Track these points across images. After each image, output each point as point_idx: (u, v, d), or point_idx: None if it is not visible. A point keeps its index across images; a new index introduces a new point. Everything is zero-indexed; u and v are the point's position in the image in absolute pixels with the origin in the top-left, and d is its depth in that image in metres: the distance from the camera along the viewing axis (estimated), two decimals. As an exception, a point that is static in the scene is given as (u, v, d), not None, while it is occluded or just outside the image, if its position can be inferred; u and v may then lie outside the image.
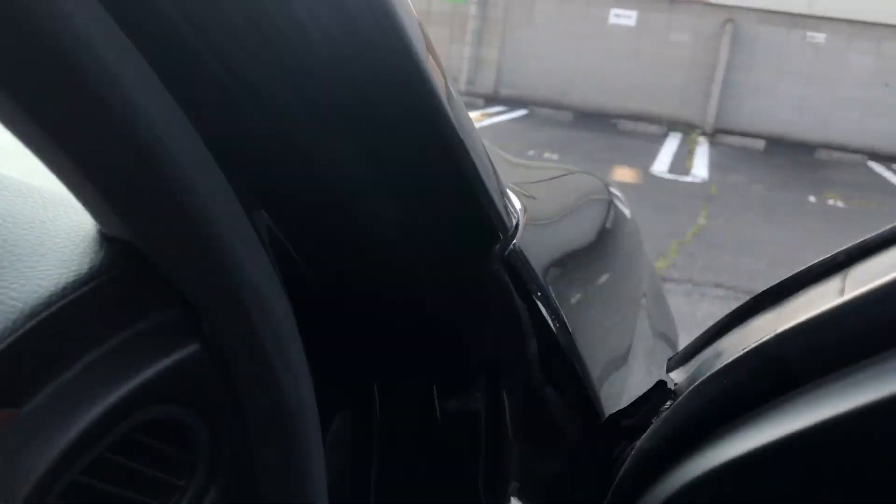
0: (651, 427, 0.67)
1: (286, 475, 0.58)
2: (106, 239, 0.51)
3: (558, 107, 12.67)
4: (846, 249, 0.64)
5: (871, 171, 10.90)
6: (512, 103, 12.99)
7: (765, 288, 0.71)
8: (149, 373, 0.48)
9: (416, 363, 0.75)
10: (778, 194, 8.28)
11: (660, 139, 11.36)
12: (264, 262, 0.54)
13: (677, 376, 0.73)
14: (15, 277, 0.46)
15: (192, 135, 0.47)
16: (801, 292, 0.67)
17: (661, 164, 9.32)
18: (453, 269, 0.69)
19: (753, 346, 0.59)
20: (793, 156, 11.35)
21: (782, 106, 12.68)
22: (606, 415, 0.79)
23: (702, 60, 12.74)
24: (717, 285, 4.92)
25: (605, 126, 11.96)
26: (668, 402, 0.72)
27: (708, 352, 0.72)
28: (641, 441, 0.67)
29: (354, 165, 0.60)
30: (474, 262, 0.69)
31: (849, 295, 0.55)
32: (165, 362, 0.49)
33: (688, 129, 12.37)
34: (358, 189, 0.62)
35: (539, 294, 0.73)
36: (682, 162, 9.62)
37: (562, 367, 0.76)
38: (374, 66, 0.55)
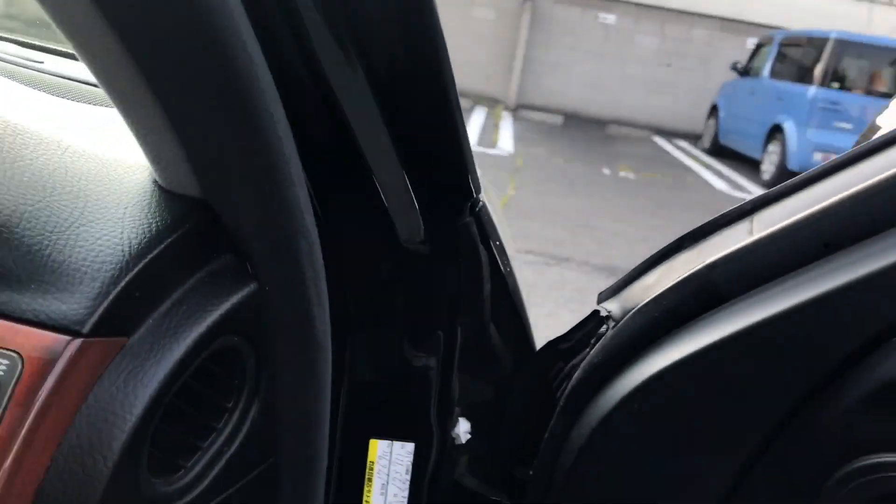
0: (600, 344, 0.79)
1: (304, 400, 0.67)
2: (172, 195, 0.58)
3: (367, 79, 12.64)
4: (752, 200, 0.80)
5: (655, 145, 11.82)
6: (320, 74, 12.79)
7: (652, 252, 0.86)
8: (224, 307, 0.56)
9: (391, 306, 0.84)
10: (576, 167, 8.79)
11: (467, 113, 11.66)
12: (312, 214, 0.61)
13: (609, 306, 0.86)
14: (111, 227, 0.53)
15: (281, 109, 0.54)
16: (716, 233, 0.81)
17: (470, 136, 9.57)
18: (438, 222, 0.80)
19: (688, 273, 0.73)
20: (588, 130, 12.07)
21: (577, 83, 13.41)
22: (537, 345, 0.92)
23: (504, 37, 13.19)
24: (528, 251, 5.16)
25: (413, 99, 12.10)
26: (605, 327, 0.83)
27: (637, 284, 0.85)
28: (591, 356, 0.79)
29: (379, 126, 0.70)
30: (454, 215, 0.80)
31: (759, 234, 0.70)
32: (234, 299, 0.57)
33: (492, 104, 12.79)
34: (374, 143, 0.72)
35: (497, 244, 0.85)
36: (489, 135, 9.95)
37: (509, 307, 0.88)
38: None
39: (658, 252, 0.84)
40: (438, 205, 0.78)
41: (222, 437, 0.59)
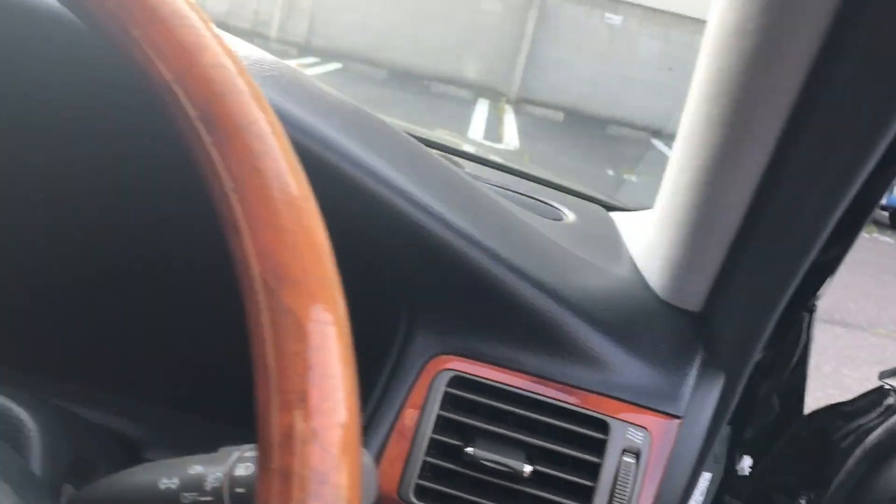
0: None
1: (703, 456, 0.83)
2: (677, 309, 0.81)
3: (371, 63, 12.68)
4: None
5: (654, 148, 11.97)
6: (325, 55, 12.81)
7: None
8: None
9: None
10: (581, 166, 8.93)
11: (470, 104, 11.74)
12: None
13: (893, 382, 1.04)
14: (666, 336, 0.77)
15: None
16: None
17: (476, 129, 9.68)
18: (793, 316, 0.97)
19: None
20: (588, 129, 12.19)
21: (579, 81, 13.50)
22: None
23: (510, 31, 13.25)
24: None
25: (418, 87, 12.16)
26: (890, 398, 1.01)
27: None
28: (893, 421, 0.96)
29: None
30: (798, 311, 0.97)
31: None
32: (718, 385, 0.77)
33: (495, 97, 12.87)
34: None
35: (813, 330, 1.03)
36: (494, 129, 10.04)
37: (800, 373, 1.06)
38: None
39: None
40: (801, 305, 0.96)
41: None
